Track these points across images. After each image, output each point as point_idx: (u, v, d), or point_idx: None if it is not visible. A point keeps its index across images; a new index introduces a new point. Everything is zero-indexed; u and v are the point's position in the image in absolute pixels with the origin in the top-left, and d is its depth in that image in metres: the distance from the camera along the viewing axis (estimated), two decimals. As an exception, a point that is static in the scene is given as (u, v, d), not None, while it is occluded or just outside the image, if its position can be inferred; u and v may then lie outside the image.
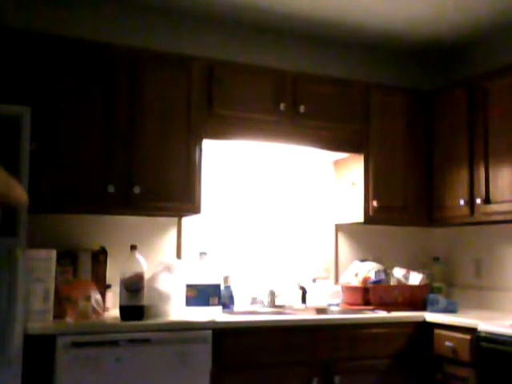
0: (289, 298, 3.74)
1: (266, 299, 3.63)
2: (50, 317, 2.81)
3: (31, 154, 2.64)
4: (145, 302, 2.93)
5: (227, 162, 3.79)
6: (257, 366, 3.00)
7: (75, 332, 2.68)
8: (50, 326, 2.69)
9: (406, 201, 3.86)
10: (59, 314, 2.83)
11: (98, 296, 2.95)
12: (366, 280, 3.68)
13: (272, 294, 3.63)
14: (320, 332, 3.15)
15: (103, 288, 3.12)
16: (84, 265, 3.13)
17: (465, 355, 3.10)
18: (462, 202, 3.60)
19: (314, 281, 3.86)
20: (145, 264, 2.99)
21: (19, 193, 2.08)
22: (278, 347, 3.04)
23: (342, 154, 3.87)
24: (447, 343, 3.21)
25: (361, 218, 3.77)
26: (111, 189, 3.07)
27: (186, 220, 3.60)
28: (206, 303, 3.02)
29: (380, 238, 4.14)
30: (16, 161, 2.56)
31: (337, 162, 4.04)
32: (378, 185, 3.78)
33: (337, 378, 3.13)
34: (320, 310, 3.64)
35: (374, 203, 3.74)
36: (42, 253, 2.83)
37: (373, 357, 3.25)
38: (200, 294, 3.02)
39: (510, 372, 2.82)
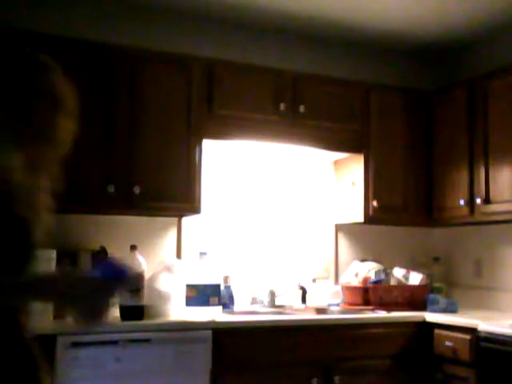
0: (289, 298, 3.74)
1: (266, 299, 3.62)
2: (50, 317, 2.81)
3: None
4: (145, 301, 2.94)
5: (227, 162, 3.79)
6: (257, 365, 3.00)
7: (75, 332, 2.68)
8: (49, 326, 2.69)
9: (405, 201, 3.85)
10: (59, 314, 2.83)
11: (98, 296, 2.95)
12: (366, 280, 3.68)
13: (272, 294, 3.63)
14: (320, 332, 3.15)
15: (103, 288, 3.12)
16: (84, 265, 3.13)
17: (465, 355, 3.10)
18: (462, 202, 3.60)
19: (314, 281, 3.86)
20: (145, 264, 2.99)
21: None
22: (278, 347, 3.04)
23: (342, 154, 3.87)
24: (447, 343, 3.21)
25: (361, 218, 3.77)
26: (111, 189, 3.06)
27: (186, 220, 3.60)
28: (206, 303, 3.02)
29: (380, 238, 4.14)
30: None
31: (337, 162, 4.04)
32: (378, 185, 3.78)
33: (337, 378, 3.13)
34: (320, 310, 3.63)
35: (374, 203, 3.74)
36: (42, 253, 2.81)
37: (373, 357, 3.25)
38: (200, 294, 3.02)
39: (510, 372, 2.82)
